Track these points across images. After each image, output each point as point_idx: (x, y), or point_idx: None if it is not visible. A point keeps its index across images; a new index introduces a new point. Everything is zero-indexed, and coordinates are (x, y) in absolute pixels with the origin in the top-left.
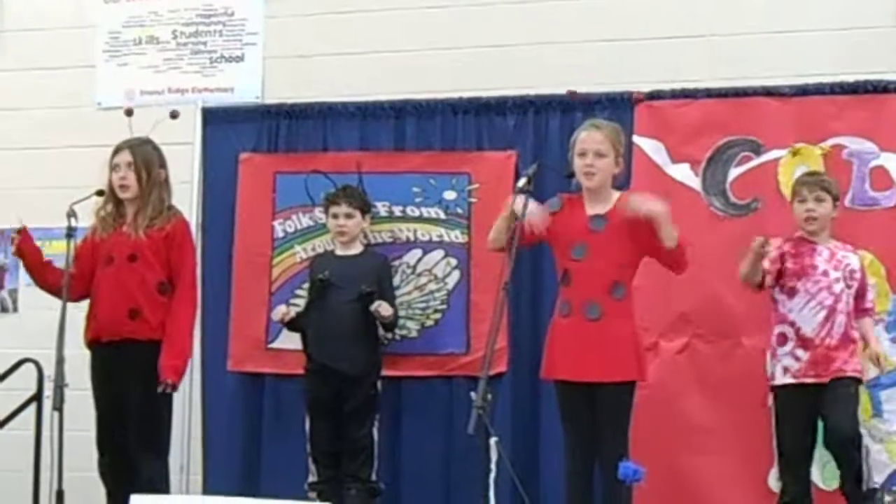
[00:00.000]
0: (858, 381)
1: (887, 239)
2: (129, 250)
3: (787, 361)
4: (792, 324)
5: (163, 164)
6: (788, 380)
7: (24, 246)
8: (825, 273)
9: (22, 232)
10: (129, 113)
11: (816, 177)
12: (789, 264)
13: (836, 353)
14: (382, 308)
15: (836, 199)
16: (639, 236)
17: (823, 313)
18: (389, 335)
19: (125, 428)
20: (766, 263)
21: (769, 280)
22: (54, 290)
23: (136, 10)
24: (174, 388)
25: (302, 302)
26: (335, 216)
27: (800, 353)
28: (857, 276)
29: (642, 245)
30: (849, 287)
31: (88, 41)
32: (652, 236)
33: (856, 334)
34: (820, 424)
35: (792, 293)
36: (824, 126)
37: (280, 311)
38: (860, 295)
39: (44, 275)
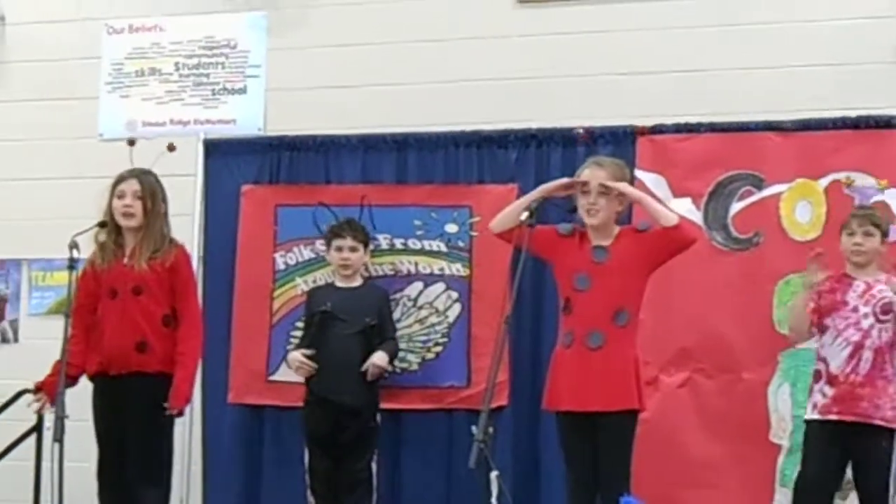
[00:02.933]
0: (892, 430)
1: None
2: (134, 283)
3: (817, 398)
4: (824, 360)
5: (164, 198)
6: (815, 416)
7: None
8: (855, 309)
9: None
10: (131, 143)
11: (867, 210)
12: (823, 301)
13: (863, 390)
14: (375, 363)
15: (885, 234)
16: (651, 250)
17: (849, 349)
18: (389, 368)
19: (126, 460)
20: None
21: (814, 322)
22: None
23: (138, 42)
24: (181, 414)
25: (299, 334)
26: (339, 249)
27: (827, 389)
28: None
29: (654, 257)
30: (881, 322)
31: (91, 73)
32: (657, 240)
33: (891, 372)
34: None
35: (824, 330)
36: (825, 161)
37: (296, 361)
38: None
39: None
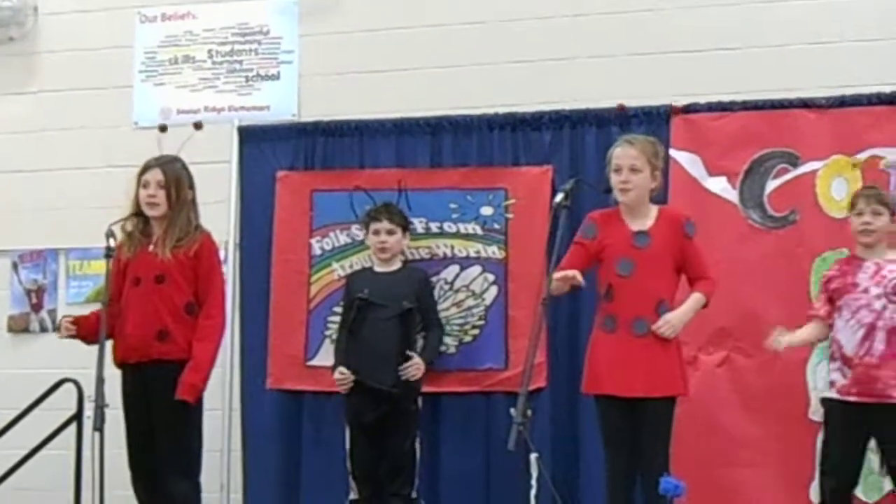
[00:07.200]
0: None
1: None
2: (157, 271)
3: (835, 376)
4: (837, 342)
5: (191, 185)
6: (833, 394)
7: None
8: (866, 290)
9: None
10: (163, 129)
11: (874, 190)
12: (834, 284)
13: (879, 371)
14: (413, 369)
15: (893, 212)
16: (685, 264)
17: (862, 332)
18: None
19: (154, 449)
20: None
21: (822, 312)
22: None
23: (171, 30)
24: (195, 402)
25: (337, 319)
26: (377, 232)
27: (845, 370)
28: None
29: (684, 270)
30: (893, 302)
31: (125, 61)
32: (689, 265)
33: None
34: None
35: (838, 312)
36: (861, 137)
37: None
38: None
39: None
